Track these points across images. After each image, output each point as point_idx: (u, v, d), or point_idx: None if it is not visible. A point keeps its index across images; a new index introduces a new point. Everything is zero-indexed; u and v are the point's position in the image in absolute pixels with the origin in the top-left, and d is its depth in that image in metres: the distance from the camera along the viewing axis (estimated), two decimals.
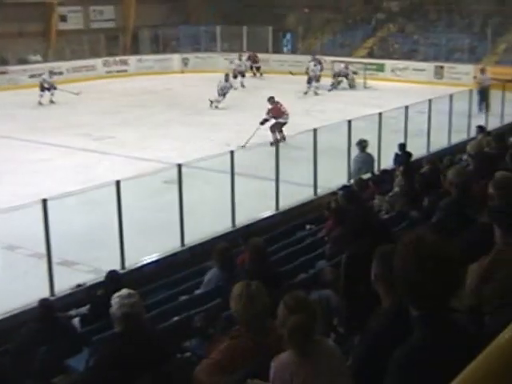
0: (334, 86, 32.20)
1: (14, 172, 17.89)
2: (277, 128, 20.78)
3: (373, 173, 14.19)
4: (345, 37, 40.00)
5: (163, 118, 25.53)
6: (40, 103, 28.73)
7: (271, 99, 21.80)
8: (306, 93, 30.65)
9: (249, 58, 35.89)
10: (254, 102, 26.95)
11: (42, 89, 29.10)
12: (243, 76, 33.14)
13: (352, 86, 32.53)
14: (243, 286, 4.64)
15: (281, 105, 21.59)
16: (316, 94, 30.92)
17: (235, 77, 32.38)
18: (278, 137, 20.30)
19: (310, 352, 4.05)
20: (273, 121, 21.14)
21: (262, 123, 20.91)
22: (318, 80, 31.51)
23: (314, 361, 4.04)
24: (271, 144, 17.41)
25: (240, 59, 34.71)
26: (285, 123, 21.00)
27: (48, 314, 7.64)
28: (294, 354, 4.05)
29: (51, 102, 29.00)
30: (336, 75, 32.68)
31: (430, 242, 2.67)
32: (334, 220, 9.32)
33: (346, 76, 32.77)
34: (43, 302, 7.90)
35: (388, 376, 2.68)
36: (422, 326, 2.66)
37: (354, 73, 32.97)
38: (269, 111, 21.30)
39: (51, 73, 30.60)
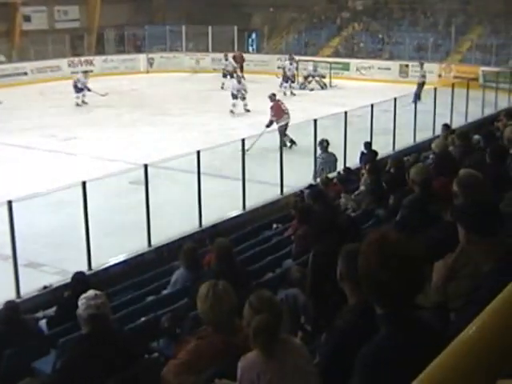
0: (303, 87, 32.20)
1: None
2: (283, 131, 18.74)
3: (339, 172, 14.25)
4: (310, 36, 40.10)
5: (129, 118, 25.41)
6: (78, 104, 28.22)
7: (272, 96, 21.06)
8: (285, 93, 29.99)
9: (234, 58, 34.62)
10: (222, 102, 26.99)
11: (77, 90, 28.47)
12: (232, 76, 31.48)
13: (323, 88, 32.48)
14: (210, 285, 4.64)
15: (281, 103, 20.78)
16: (293, 94, 30.61)
17: (224, 76, 32.16)
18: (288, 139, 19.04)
19: (276, 351, 4.06)
20: (275, 125, 19.68)
21: (268, 126, 19.80)
22: (293, 80, 31.54)
23: (281, 360, 4.05)
24: (289, 146, 17.26)
25: (226, 59, 33.93)
26: (287, 124, 19.58)
27: (14, 316, 7.58)
28: (259, 354, 4.06)
29: (83, 102, 28.41)
30: (306, 77, 32.65)
31: (393, 240, 2.69)
32: (298, 219, 9.35)
33: (317, 77, 32.79)
34: (9, 304, 7.83)
35: (354, 374, 2.70)
36: (386, 324, 2.69)
37: (322, 76, 32.94)
38: (271, 110, 20.29)
39: (85, 73, 30.14)
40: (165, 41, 41.35)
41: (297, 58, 33.94)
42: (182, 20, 41.19)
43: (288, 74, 31.38)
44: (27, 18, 38.37)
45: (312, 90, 31.88)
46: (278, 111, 20.17)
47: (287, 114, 20.10)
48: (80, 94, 28.37)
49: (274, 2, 40.94)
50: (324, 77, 33.04)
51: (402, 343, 2.62)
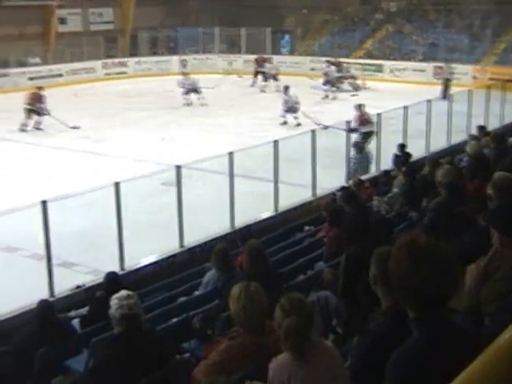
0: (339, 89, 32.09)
1: (15, 173, 17.89)
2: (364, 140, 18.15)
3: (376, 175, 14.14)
4: (343, 38, 39.98)
5: (162, 120, 25.53)
6: (188, 104, 28.53)
7: (359, 107, 19.91)
8: (327, 96, 29.96)
9: (256, 62, 34.26)
10: (254, 103, 27.02)
11: (186, 92, 28.69)
12: (276, 79, 31.80)
13: (357, 89, 32.28)
14: (242, 287, 4.64)
15: (367, 115, 19.53)
16: (334, 98, 30.23)
17: (265, 80, 32.14)
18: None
19: (307, 354, 4.05)
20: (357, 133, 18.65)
21: (350, 131, 19.35)
22: (334, 84, 31.13)
23: (312, 362, 4.04)
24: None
25: (270, 62, 33.81)
26: (370, 132, 18.32)
27: (48, 314, 7.64)
28: (290, 356, 4.05)
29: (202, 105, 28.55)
30: (339, 78, 32.50)
31: (423, 243, 2.66)
32: (330, 221, 9.32)
33: (350, 79, 32.65)
34: (43, 303, 7.90)
35: (386, 378, 2.68)
36: (419, 327, 2.66)
37: (353, 77, 32.77)
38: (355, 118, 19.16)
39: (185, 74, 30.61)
40: (198, 42, 41.49)
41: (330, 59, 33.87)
42: (215, 22, 41.31)
43: (328, 77, 30.88)
44: (63, 21, 38.73)
45: (338, 89, 31.33)
46: (362, 121, 19.07)
47: (371, 123, 18.68)
48: (189, 96, 28.69)
49: (307, 4, 40.85)
50: (356, 78, 32.86)
51: (434, 347, 2.60)
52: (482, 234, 4.36)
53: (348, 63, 34.18)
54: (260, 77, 33.21)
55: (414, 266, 2.58)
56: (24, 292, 9.77)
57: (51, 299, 9.18)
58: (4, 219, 11.03)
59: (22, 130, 23.58)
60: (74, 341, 7.63)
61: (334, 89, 30.77)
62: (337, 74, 31.50)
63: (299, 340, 4.05)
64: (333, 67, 31.66)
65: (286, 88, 24.71)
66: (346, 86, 32.23)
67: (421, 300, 2.62)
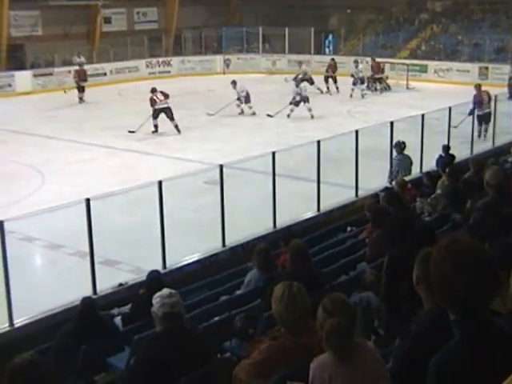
0: (372, 87, 32.06)
1: (58, 172, 18.11)
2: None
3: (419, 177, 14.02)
4: (387, 38, 39.75)
5: (205, 119, 25.63)
6: (363, 96, 29.72)
7: (478, 86, 21.50)
8: (351, 95, 30.30)
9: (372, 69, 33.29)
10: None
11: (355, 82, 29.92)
12: (335, 81, 32.01)
13: (387, 89, 32.18)
14: (285, 287, 4.64)
15: (486, 94, 21.07)
16: (363, 96, 30.43)
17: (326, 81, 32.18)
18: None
19: (348, 354, 4.04)
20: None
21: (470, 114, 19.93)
22: (362, 82, 31.23)
23: (353, 363, 4.03)
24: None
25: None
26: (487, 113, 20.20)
27: (90, 311, 7.70)
28: (332, 357, 4.04)
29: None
30: (369, 78, 32.45)
31: (465, 245, 2.63)
32: (373, 222, 9.26)
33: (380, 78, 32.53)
34: (86, 300, 7.96)
35: (428, 380, 2.65)
36: (460, 329, 2.63)
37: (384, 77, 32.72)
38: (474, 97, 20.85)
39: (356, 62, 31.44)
40: (241, 42, 41.60)
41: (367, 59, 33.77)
42: (259, 21, 41.35)
43: (356, 76, 31.03)
44: (107, 20, 39.12)
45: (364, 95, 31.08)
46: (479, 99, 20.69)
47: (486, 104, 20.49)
48: (357, 87, 30.01)
49: (352, 4, 40.69)
50: (387, 77, 32.65)
51: (476, 350, 2.56)
52: None
53: (392, 63, 33.97)
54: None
55: (455, 267, 2.55)
56: (67, 289, 9.88)
57: (94, 297, 9.27)
58: (48, 217, 11.19)
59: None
60: (116, 338, 7.68)
61: (363, 87, 30.98)
62: (365, 74, 31.68)
63: (341, 340, 4.04)
64: (360, 66, 31.71)
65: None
66: (377, 85, 32.24)
67: (462, 302, 2.59)
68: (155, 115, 23.38)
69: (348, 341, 4.08)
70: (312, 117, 25.20)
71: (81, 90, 30.27)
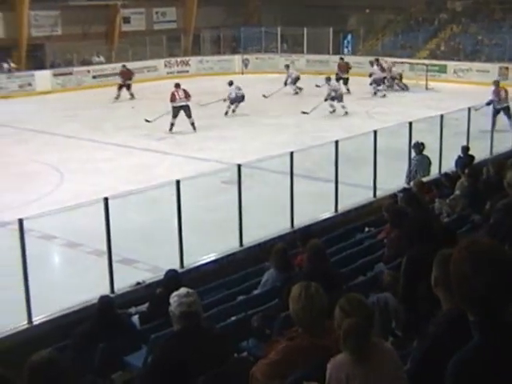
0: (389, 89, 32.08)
1: (77, 171, 18.18)
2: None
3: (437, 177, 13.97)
4: (406, 38, 39.61)
5: (223, 119, 25.65)
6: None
7: (496, 82, 22.46)
8: (375, 93, 30.73)
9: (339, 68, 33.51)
10: (316, 103, 26.94)
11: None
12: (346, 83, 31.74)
13: (404, 89, 32.13)
14: (302, 287, 4.63)
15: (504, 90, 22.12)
16: (384, 96, 30.62)
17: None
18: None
19: (366, 355, 4.02)
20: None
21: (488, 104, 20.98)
22: (382, 82, 31.37)
23: (370, 363, 4.02)
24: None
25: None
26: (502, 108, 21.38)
27: (108, 310, 7.72)
28: (349, 357, 4.03)
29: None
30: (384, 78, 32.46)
31: (485, 246, 2.62)
32: (391, 222, 9.23)
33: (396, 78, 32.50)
34: (103, 299, 7.98)
35: (446, 381, 2.64)
36: (480, 331, 2.61)
37: (398, 77, 32.65)
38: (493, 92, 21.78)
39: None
40: (260, 42, 41.60)
41: (393, 60, 33.70)
42: (278, 21, 41.33)
43: (375, 76, 31.27)
44: (126, 20, 39.28)
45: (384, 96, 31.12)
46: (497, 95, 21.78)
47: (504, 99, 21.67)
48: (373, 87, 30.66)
49: (371, 4, 40.59)
50: (401, 77, 32.56)
51: (496, 351, 2.54)
52: None
53: (411, 63, 33.88)
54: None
55: (475, 268, 2.54)
56: (85, 287, 9.91)
57: (111, 295, 9.30)
58: (66, 215, 11.23)
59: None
60: (134, 337, 7.70)
61: (380, 87, 31.08)
62: (383, 74, 31.72)
63: (358, 340, 4.04)
64: (375, 67, 31.82)
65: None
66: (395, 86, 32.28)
67: (481, 303, 2.57)
68: (174, 113, 23.34)
69: (365, 341, 4.08)
70: (346, 113, 25.88)
71: (127, 87, 31.25)
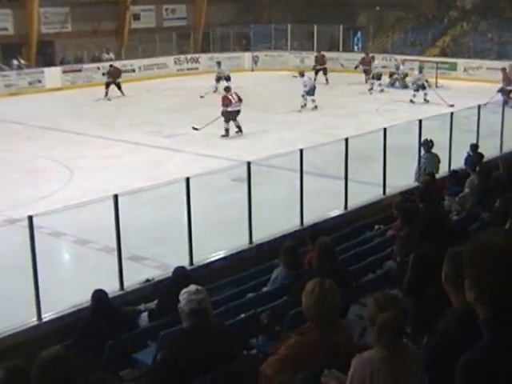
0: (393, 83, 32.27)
1: (86, 168, 18.21)
2: None
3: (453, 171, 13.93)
4: (416, 35, 39.50)
5: None
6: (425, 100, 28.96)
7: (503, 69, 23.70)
8: (371, 90, 31.03)
9: (316, 60, 34.65)
10: (325, 100, 26.96)
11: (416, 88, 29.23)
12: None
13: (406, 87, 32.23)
14: (317, 282, 4.63)
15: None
16: (382, 91, 31.16)
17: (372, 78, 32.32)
18: None
19: (397, 351, 4.04)
20: None
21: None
22: (379, 77, 31.79)
23: (397, 361, 4.03)
24: None
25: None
26: None
27: (102, 304, 7.74)
28: (379, 352, 4.04)
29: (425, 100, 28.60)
30: (391, 75, 32.52)
31: (497, 244, 2.61)
32: (402, 220, 9.21)
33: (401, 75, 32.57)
34: (96, 293, 7.93)
35: (456, 379, 2.63)
36: (489, 330, 2.60)
37: (403, 75, 32.76)
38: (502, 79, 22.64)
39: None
40: (270, 39, 41.56)
41: (403, 57, 33.70)
42: (288, 19, 41.28)
43: (374, 71, 31.91)
44: (136, 17, 39.31)
45: (382, 90, 31.54)
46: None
47: None
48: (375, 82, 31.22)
49: (381, 1, 40.51)
50: (407, 75, 32.56)
51: (506, 350, 2.52)
52: None
53: (421, 60, 33.78)
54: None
55: (485, 266, 2.53)
56: (94, 284, 9.92)
57: (121, 292, 9.32)
58: (76, 212, 11.26)
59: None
60: (135, 331, 7.73)
61: (380, 82, 31.73)
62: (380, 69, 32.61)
63: (394, 335, 4.05)
64: (376, 62, 32.70)
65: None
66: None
67: (491, 301, 2.56)
68: (227, 118, 22.18)
69: (400, 337, 4.09)
70: (316, 107, 26.36)
71: (118, 86, 30.60)
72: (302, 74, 27.66)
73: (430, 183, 11.59)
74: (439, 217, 7.54)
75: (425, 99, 28.29)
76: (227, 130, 22.14)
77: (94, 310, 7.78)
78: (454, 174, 13.35)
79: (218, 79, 30.74)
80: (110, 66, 31.74)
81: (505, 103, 20.01)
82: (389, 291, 4.63)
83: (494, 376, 2.49)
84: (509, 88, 20.89)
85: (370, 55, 33.52)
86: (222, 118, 22.17)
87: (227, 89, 23.06)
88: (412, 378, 3.97)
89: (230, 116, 22.20)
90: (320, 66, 33.79)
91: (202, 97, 29.46)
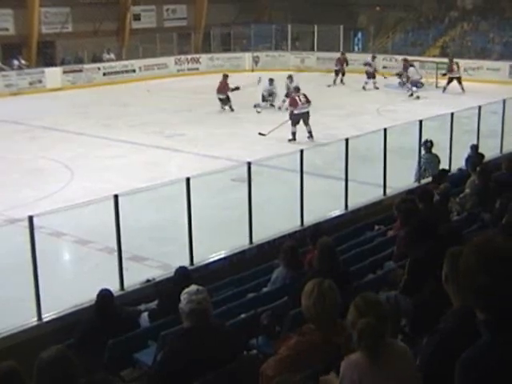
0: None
1: (87, 168, 18.23)
2: None
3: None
4: (417, 35, 39.53)
5: (233, 116, 25.65)
6: (364, 88, 31.71)
7: None
8: (364, 88, 31.75)
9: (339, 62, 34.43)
10: (325, 101, 26.96)
11: (368, 76, 31.96)
12: (374, 77, 32.32)
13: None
14: (316, 283, 4.63)
15: None
16: (376, 88, 31.82)
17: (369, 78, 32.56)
18: None
19: (380, 354, 4.00)
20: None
21: None
22: (374, 76, 32.29)
23: (384, 363, 3.99)
24: None
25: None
26: None
27: (105, 304, 7.73)
28: (363, 356, 4.01)
29: (376, 88, 31.77)
30: (399, 74, 32.50)
31: (496, 244, 2.60)
32: (401, 220, 9.21)
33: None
34: (101, 292, 7.94)
35: (456, 378, 2.63)
36: (488, 330, 2.60)
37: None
38: None
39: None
40: (270, 39, 41.59)
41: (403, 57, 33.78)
42: (288, 19, 41.31)
43: (370, 70, 32.38)
44: (137, 17, 39.35)
45: (377, 88, 32.11)
46: None
47: None
48: (369, 80, 32.07)
49: (381, 1, 40.55)
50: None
51: (504, 350, 2.53)
52: None
53: (421, 61, 33.84)
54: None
55: (484, 266, 2.53)
56: (95, 284, 9.92)
57: (122, 292, 9.32)
58: (76, 212, 11.26)
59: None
60: (136, 331, 7.73)
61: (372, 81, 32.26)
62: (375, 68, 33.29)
63: (373, 340, 4.00)
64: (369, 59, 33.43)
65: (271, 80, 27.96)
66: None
67: (490, 301, 2.56)
68: (294, 121, 21.40)
69: (380, 341, 4.04)
70: (279, 108, 26.29)
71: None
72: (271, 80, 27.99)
73: (442, 179, 11.56)
74: (433, 219, 7.55)
75: (412, 94, 29.52)
76: (294, 134, 21.34)
77: (98, 309, 7.77)
78: (443, 173, 13.32)
79: (270, 95, 28.40)
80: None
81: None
82: (372, 294, 4.59)
83: (492, 375, 2.50)
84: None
85: (370, 56, 33.74)
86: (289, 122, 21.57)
87: (297, 89, 22.39)
88: (402, 379, 3.96)
89: (297, 119, 21.36)
90: (340, 67, 34.12)
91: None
